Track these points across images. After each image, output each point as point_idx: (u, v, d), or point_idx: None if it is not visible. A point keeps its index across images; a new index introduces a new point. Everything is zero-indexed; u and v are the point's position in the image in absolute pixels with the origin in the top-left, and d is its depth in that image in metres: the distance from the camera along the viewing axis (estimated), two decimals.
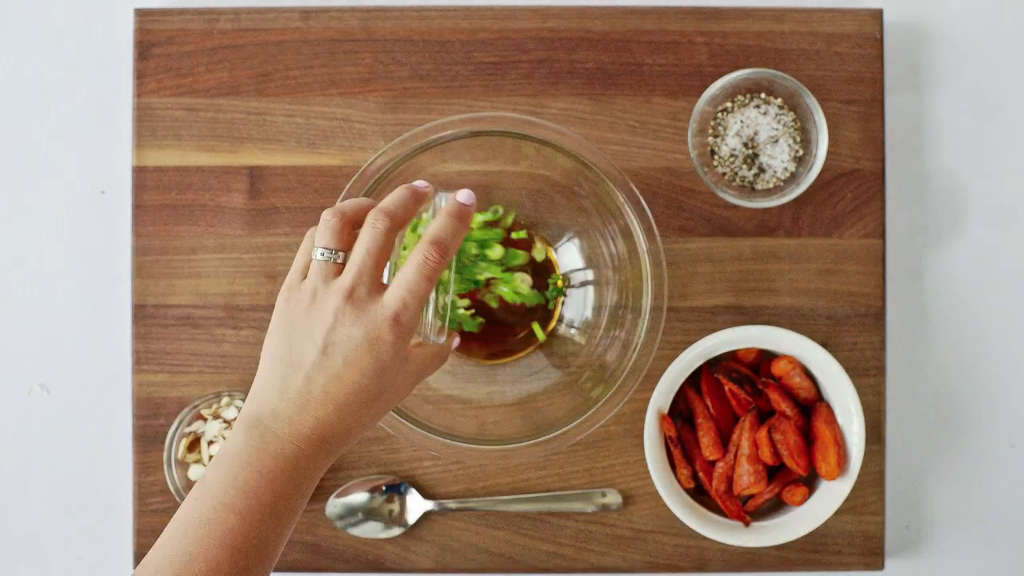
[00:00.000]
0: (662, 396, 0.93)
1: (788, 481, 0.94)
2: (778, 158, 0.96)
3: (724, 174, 0.96)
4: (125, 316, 0.99)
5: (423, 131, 0.90)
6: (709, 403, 0.94)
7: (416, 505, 0.96)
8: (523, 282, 0.95)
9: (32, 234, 1.00)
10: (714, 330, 0.97)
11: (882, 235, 0.98)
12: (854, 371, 0.97)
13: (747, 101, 0.96)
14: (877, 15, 0.98)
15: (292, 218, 0.98)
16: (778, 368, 0.94)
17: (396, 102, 0.98)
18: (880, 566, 0.97)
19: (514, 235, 0.96)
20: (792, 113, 0.96)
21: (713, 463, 0.94)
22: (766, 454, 0.92)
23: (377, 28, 0.98)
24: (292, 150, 0.98)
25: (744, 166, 0.96)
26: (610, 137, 0.98)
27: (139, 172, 0.98)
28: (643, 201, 0.90)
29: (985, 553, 1.00)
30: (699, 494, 0.95)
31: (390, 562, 0.97)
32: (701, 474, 0.94)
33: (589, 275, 0.96)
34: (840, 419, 0.94)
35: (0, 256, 1.00)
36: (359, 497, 0.96)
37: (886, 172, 0.99)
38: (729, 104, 0.96)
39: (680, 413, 0.96)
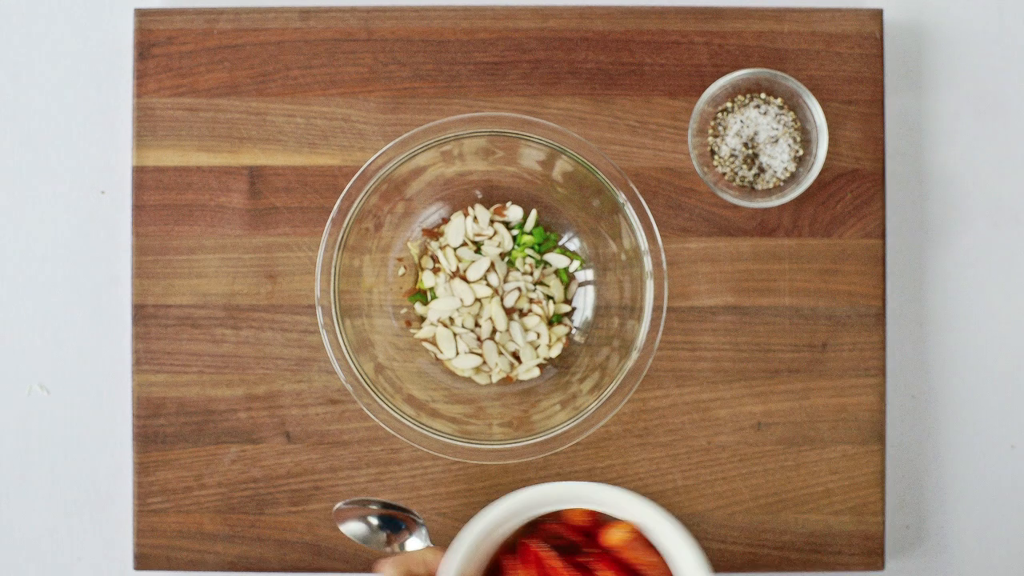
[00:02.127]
0: (468, 564, 0.75)
1: None
2: (778, 158, 0.96)
3: (724, 174, 0.96)
4: (125, 316, 0.99)
5: (423, 131, 0.90)
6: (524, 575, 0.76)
7: (416, 547, 0.89)
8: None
9: (32, 234, 1.00)
10: (714, 330, 0.97)
11: (882, 235, 0.98)
12: (854, 371, 0.97)
13: (747, 101, 0.96)
14: (877, 15, 0.98)
15: (292, 218, 0.98)
16: (612, 537, 0.75)
17: (396, 102, 0.98)
18: (880, 566, 0.97)
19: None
20: (792, 113, 0.96)
21: None
22: None
23: (377, 28, 0.98)
24: (292, 150, 0.98)
25: (744, 166, 0.96)
26: (610, 137, 0.98)
27: (139, 172, 0.98)
28: (643, 201, 0.90)
29: (985, 553, 1.00)
30: None
31: None
32: None
33: (589, 275, 0.96)
34: None
35: (0, 256, 1.00)
36: (355, 528, 0.91)
37: (886, 172, 0.99)
38: (729, 104, 0.96)
39: None
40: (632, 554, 0.75)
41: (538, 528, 0.77)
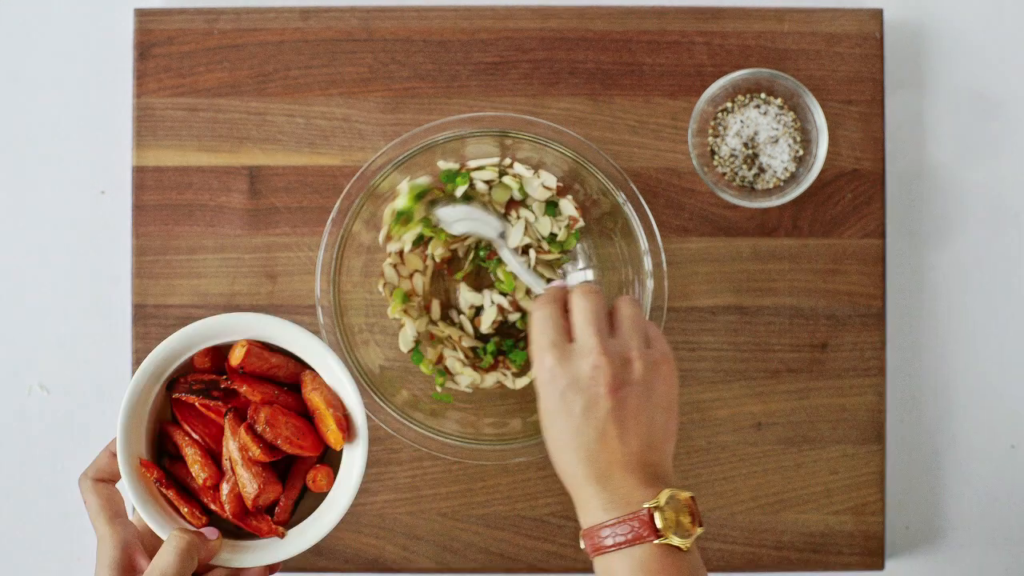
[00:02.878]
0: (134, 443, 0.80)
1: (309, 468, 0.83)
2: (778, 158, 0.96)
3: (724, 174, 0.96)
4: (125, 316, 0.99)
5: (423, 131, 0.90)
6: (188, 428, 0.82)
7: None
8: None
9: (32, 234, 1.00)
10: (714, 330, 0.97)
11: (882, 235, 0.98)
12: (854, 371, 0.97)
13: (747, 101, 0.96)
14: (877, 15, 0.98)
15: (292, 218, 0.98)
16: (233, 358, 0.82)
17: (396, 102, 0.98)
18: (880, 566, 0.97)
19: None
20: (792, 113, 0.96)
21: (217, 488, 0.82)
22: (256, 452, 0.79)
23: (377, 28, 0.98)
24: (292, 150, 0.98)
25: (744, 166, 0.96)
26: (610, 137, 0.98)
27: (139, 172, 0.98)
28: (643, 201, 0.90)
29: (985, 553, 1.00)
30: (237, 529, 0.84)
31: (390, 562, 0.97)
32: (214, 506, 0.81)
33: (589, 275, 0.96)
34: (329, 381, 0.82)
35: (0, 256, 1.00)
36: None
37: (886, 172, 0.99)
38: (729, 104, 0.96)
39: (168, 452, 0.84)
40: (256, 363, 0.81)
41: (176, 387, 0.82)
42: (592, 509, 0.75)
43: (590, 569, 0.97)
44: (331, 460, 0.84)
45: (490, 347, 0.94)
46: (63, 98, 1.00)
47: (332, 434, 0.81)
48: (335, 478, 0.82)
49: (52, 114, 1.00)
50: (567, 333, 0.79)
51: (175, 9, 0.98)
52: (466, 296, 0.94)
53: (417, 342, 0.94)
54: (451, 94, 0.98)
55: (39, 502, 1.00)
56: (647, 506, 0.73)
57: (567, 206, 0.93)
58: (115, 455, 0.80)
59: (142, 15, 0.98)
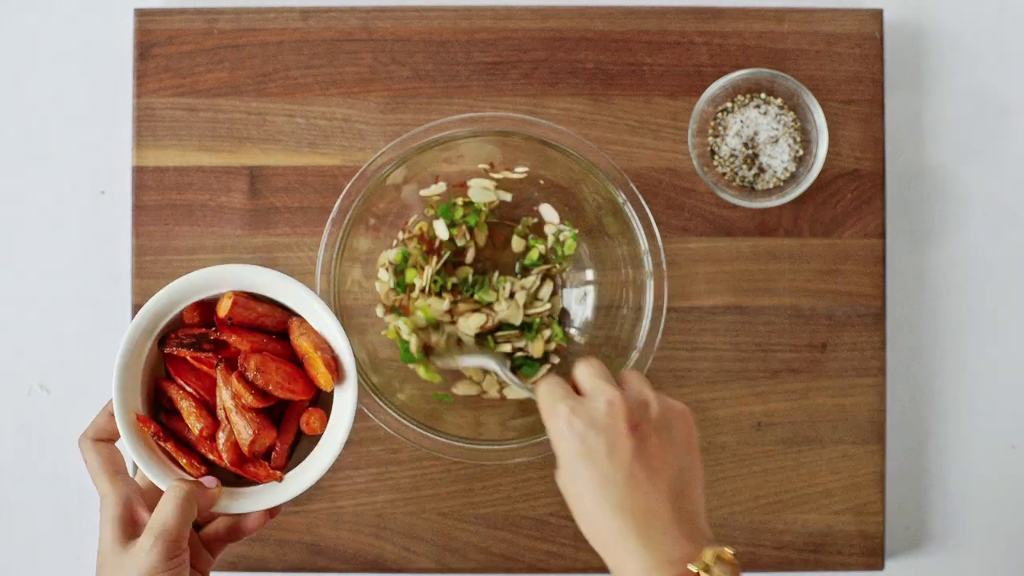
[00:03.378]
0: (130, 399, 0.82)
1: (302, 412, 0.84)
2: (778, 158, 0.96)
3: (724, 174, 0.96)
4: (125, 316, 0.99)
5: (423, 131, 0.90)
6: (182, 382, 0.83)
7: None
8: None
9: (32, 234, 1.00)
10: (714, 330, 0.97)
11: (882, 235, 0.98)
12: (854, 371, 0.97)
13: (747, 101, 0.96)
14: (877, 15, 0.98)
15: (292, 218, 0.98)
16: (221, 309, 0.83)
17: (396, 102, 0.98)
18: (880, 566, 0.97)
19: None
20: (792, 113, 0.96)
21: (214, 438, 0.83)
22: (249, 399, 0.81)
23: (377, 28, 0.98)
24: (292, 150, 0.98)
25: (744, 166, 0.96)
26: (610, 137, 0.98)
27: (139, 172, 0.98)
28: (643, 201, 0.90)
29: (985, 553, 1.00)
30: (236, 478, 0.85)
31: (390, 562, 0.97)
32: (212, 456, 0.83)
33: (589, 275, 0.96)
34: (316, 326, 0.84)
35: (0, 256, 1.00)
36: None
37: (886, 172, 0.99)
38: (729, 104, 0.96)
39: (164, 407, 0.85)
40: (243, 313, 0.83)
41: (168, 342, 0.83)
42: (630, 573, 0.71)
43: (590, 569, 0.97)
44: (323, 404, 0.85)
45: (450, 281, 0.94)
46: (63, 98, 1.00)
47: (322, 376, 0.82)
48: (328, 420, 0.83)
49: (52, 114, 1.00)
50: (576, 391, 0.77)
51: (175, 9, 0.98)
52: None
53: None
54: (451, 94, 0.98)
55: (39, 502, 1.00)
56: (694, 569, 0.69)
57: (549, 212, 0.94)
58: (113, 414, 0.81)
59: (142, 15, 0.98)
